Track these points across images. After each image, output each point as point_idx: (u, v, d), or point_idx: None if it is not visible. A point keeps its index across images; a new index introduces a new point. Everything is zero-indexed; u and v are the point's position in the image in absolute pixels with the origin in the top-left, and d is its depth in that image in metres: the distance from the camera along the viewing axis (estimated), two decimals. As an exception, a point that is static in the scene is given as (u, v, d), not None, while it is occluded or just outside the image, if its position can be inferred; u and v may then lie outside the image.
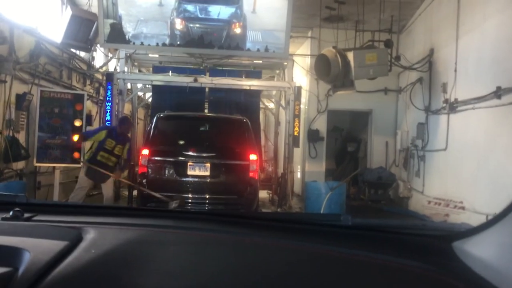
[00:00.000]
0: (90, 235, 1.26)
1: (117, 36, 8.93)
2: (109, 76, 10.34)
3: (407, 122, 11.27)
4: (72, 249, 1.14)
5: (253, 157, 7.66)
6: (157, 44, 9.54)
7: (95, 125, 11.34)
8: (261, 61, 11.72)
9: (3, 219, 1.40)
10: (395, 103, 12.32)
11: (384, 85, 12.14)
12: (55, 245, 1.14)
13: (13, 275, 1.01)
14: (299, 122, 10.86)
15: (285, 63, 11.87)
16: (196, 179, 7.52)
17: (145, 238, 1.31)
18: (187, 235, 1.38)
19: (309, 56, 12.18)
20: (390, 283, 1.15)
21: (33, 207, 1.62)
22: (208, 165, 7.49)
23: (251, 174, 7.61)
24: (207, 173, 7.51)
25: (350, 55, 9.11)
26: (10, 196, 1.95)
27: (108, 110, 10.27)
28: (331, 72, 9.18)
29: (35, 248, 1.11)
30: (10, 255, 1.09)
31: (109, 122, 10.27)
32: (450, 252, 1.26)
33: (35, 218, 1.45)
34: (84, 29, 8.54)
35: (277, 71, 13.08)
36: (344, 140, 14.55)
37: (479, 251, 1.19)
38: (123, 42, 9.26)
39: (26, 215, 1.44)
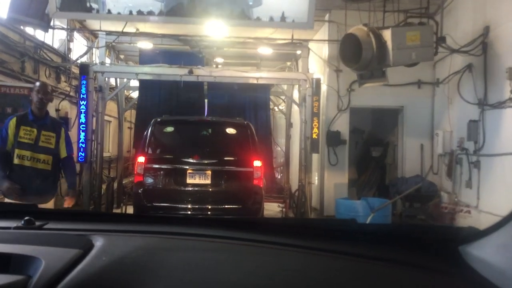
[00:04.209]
0: (101, 242, 1.27)
1: (74, 2, 6.73)
2: (84, 69, 8.38)
3: (450, 120, 9.21)
4: (83, 256, 1.16)
5: (257, 163, 7.23)
6: (131, 12, 7.15)
7: (74, 130, 9.34)
8: (271, 50, 9.72)
9: (16, 228, 1.41)
10: (431, 98, 10.26)
11: (417, 77, 10.12)
12: (67, 253, 1.16)
13: (26, 283, 1.03)
14: (318, 122, 8.85)
15: (299, 52, 9.91)
16: (196, 188, 7.12)
17: (155, 245, 1.33)
18: (197, 241, 1.39)
19: (327, 44, 10.16)
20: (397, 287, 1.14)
21: (44, 215, 1.63)
22: (208, 172, 7.10)
23: (255, 182, 7.22)
24: (208, 181, 7.12)
25: (387, 34, 7.12)
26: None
27: (83, 110, 8.30)
28: (362, 56, 7.19)
29: (48, 256, 1.13)
30: (24, 263, 1.11)
31: (84, 126, 8.29)
32: (457, 255, 1.26)
33: (46, 226, 1.46)
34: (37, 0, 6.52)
35: (288, 63, 11.14)
36: (366, 143, 12.47)
37: (487, 255, 1.17)
38: (83, 10, 6.86)
39: (38, 223, 1.45)
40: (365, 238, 1.45)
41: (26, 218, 1.44)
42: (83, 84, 8.27)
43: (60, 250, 1.18)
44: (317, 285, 1.13)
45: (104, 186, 9.94)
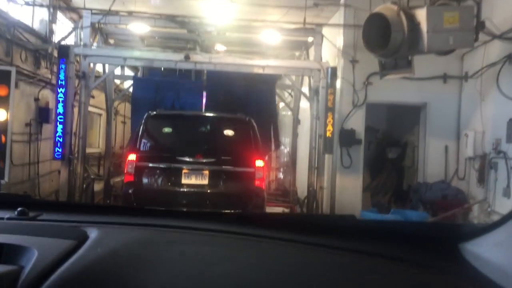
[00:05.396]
0: (95, 234, 1.25)
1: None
2: (63, 51, 7.24)
3: (483, 119, 8.07)
4: (77, 248, 1.14)
5: (259, 163, 6.74)
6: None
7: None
8: (280, 36, 8.56)
9: (9, 218, 1.40)
10: (458, 94, 9.13)
11: (442, 70, 9.04)
12: (61, 244, 1.14)
13: (19, 273, 1.02)
14: (333, 118, 7.71)
15: (310, 40, 8.78)
16: (192, 189, 6.65)
17: (150, 238, 1.31)
18: (193, 235, 1.37)
19: (342, 32, 9.01)
20: (396, 285, 1.14)
21: (38, 206, 1.60)
22: (206, 172, 6.63)
23: (257, 183, 6.73)
24: (205, 181, 6.65)
25: (421, 14, 5.99)
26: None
27: (61, 99, 7.15)
28: (390, 40, 6.05)
29: (41, 246, 1.12)
30: (16, 253, 1.10)
31: (61, 117, 7.15)
32: (457, 253, 1.25)
33: (40, 217, 1.46)
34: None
35: (297, 53, 10.00)
36: (381, 143, 11.31)
37: (486, 252, 1.17)
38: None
39: (32, 214, 1.44)
40: (364, 234, 1.43)
41: (20, 209, 1.43)
42: (62, 68, 7.13)
43: (54, 240, 1.16)
44: (314, 280, 1.11)
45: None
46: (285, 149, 12.48)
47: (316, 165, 8.11)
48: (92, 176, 7.95)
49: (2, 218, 1.38)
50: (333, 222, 1.66)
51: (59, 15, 9.55)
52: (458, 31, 6.15)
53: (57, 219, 1.43)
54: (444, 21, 6.03)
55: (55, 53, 8.73)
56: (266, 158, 9.72)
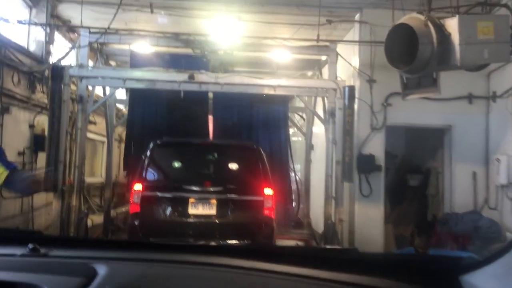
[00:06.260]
0: (104, 270, 1.27)
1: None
2: (56, 72, 6.64)
3: (516, 143, 7.36)
4: (87, 285, 1.16)
5: (268, 191, 6.56)
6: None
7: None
8: (291, 55, 7.98)
9: (22, 255, 1.41)
10: (485, 116, 8.43)
11: (467, 90, 8.39)
12: (71, 282, 1.18)
13: None
14: (351, 143, 7.02)
15: (324, 58, 8.19)
16: (199, 220, 6.53)
17: (158, 274, 1.33)
18: (202, 270, 1.37)
19: (357, 50, 8.41)
20: None
21: (48, 242, 1.62)
22: (213, 201, 6.51)
23: (265, 213, 6.57)
24: (213, 211, 6.51)
25: (452, 24, 5.35)
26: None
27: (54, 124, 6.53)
28: (418, 53, 5.39)
29: (52, 285, 1.16)
30: None
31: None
32: (458, 285, 1.24)
33: (51, 253, 1.47)
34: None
35: (310, 73, 9.40)
36: (400, 170, 10.54)
37: (486, 284, 1.16)
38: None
39: (43, 250, 1.46)
40: (367, 267, 1.42)
41: (31, 246, 1.43)
42: (55, 91, 6.55)
43: (64, 278, 1.20)
44: None
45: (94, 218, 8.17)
46: (296, 176, 11.79)
47: (333, 195, 7.37)
48: (85, 211, 7.23)
49: (15, 255, 1.40)
50: (336, 256, 1.68)
51: (59, 36, 9.04)
52: (493, 43, 5.48)
53: (67, 255, 1.46)
54: (478, 31, 5.38)
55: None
56: (287, 182, 9.07)
